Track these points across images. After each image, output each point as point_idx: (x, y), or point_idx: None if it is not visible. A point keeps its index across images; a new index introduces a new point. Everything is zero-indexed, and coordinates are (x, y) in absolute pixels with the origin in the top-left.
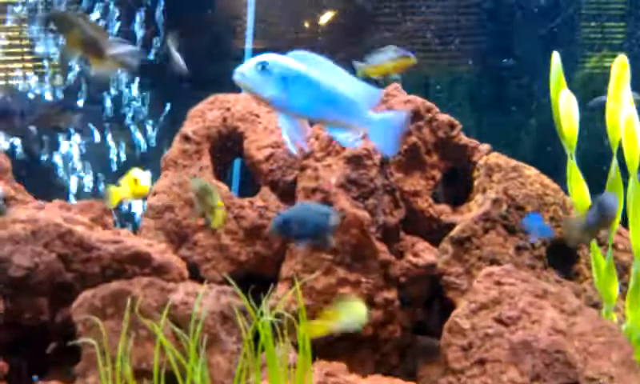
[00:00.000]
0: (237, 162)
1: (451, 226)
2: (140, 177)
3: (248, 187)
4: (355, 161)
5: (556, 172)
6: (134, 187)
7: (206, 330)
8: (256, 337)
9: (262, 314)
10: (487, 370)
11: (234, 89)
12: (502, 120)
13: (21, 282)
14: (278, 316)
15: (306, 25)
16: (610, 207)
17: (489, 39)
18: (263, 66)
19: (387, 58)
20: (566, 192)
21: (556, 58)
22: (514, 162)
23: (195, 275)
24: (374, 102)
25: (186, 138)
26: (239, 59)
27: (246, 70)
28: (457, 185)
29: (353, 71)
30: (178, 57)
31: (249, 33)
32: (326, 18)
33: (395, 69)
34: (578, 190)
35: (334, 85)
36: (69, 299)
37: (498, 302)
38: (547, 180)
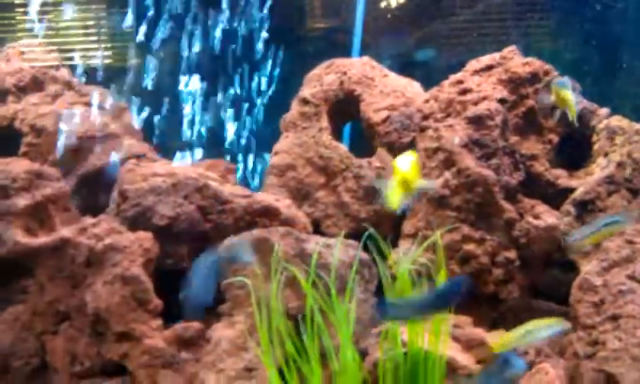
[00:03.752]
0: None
1: (568, 190)
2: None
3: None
4: (478, 121)
5: None
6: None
7: (338, 278)
8: (378, 290)
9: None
10: (621, 325)
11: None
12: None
13: (163, 230)
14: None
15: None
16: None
17: None
18: None
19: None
20: None
21: None
22: (637, 125)
23: (316, 231)
24: None
25: (305, 101)
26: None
27: None
28: (573, 149)
29: None
30: None
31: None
32: None
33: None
34: None
35: None
36: (206, 248)
37: (631, 260)
38: None
